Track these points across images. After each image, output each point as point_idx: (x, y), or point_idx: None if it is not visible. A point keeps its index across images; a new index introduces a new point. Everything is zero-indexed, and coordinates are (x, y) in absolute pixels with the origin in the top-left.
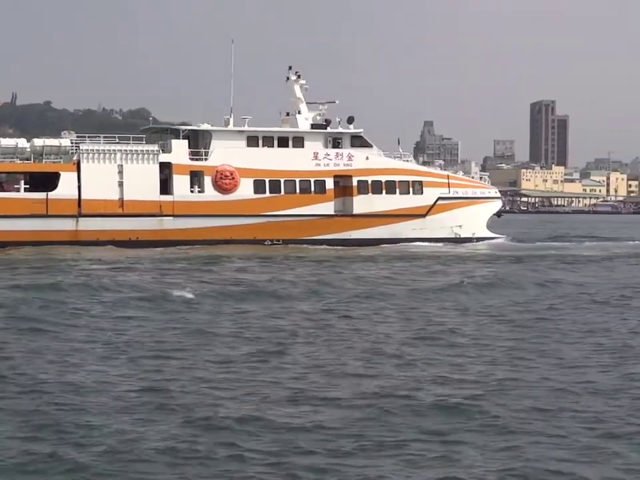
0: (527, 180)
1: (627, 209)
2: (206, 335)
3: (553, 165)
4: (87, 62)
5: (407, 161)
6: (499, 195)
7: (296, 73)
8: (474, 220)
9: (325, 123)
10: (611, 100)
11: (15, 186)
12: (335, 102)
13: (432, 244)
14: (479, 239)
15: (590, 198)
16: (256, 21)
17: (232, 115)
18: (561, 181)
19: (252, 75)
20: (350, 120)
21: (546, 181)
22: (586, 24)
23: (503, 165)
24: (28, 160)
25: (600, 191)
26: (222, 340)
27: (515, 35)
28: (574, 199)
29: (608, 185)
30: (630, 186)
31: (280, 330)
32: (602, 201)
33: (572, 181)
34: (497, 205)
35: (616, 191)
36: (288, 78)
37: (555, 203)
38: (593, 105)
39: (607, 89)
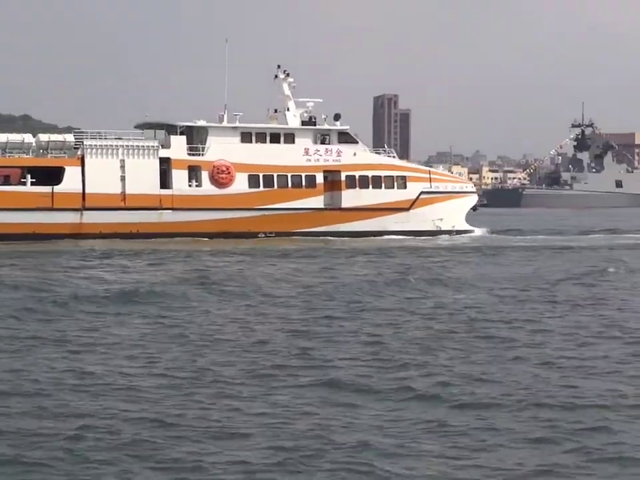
0: None
1: None
2: None
3: None
4: None
5: (391, 157)
6: (474, 189)
7: (284, 71)
8: (454, 213)
9: (314, 120)
10: (452, 96)
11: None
12: (320, 100)
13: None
14: (458, 232)
15: None
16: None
17: (226, 112)
18: None
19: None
20: (337, 117)
21: None
22: (424, 22)
23: None
24: (26, 155)
25: None
26: None
27: (358, 28)
28: None
29: None
30: (471, 179)
31: None
32: None
33: None
34: (473, 199)
35: None
36: (276, 76)
37: None
38: (435, 100)
39: (447, 87)
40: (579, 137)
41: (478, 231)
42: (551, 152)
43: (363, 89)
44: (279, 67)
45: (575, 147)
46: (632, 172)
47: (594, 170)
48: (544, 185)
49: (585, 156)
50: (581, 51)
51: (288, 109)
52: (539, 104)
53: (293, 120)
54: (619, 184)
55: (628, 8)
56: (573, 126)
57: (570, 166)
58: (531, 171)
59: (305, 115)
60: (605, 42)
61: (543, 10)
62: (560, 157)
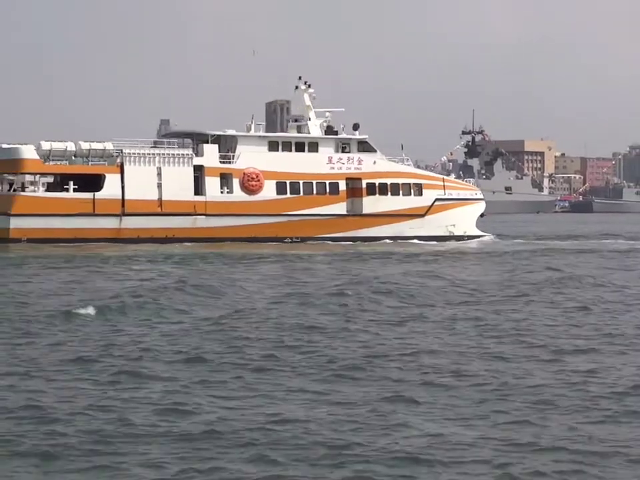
0: None
1: None
2: None
3: None
4: None
5: (408, 164)
6: (482, 196)
7: (305, 82)
8: (465, 219)
9: (335, 130)
10: (342, 102)
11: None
12: (342, 110)
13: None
14: (469, 237)
15: None
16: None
17: (253, 121)
18: None
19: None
20: (355, 127)
21: None
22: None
23: None
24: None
25: None
26: None
27: (250, 35)
28: None
29: None
30: None
31: None
32: None
33: None
34: (482, 206)
35: None
36: (297, 87)
37: None
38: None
39: (339, 92)
40: (470, 143)
41: (487, 237)
42: (442, 158)
43: (255, 94)
44: (299, 78)
45: (465, 153)
46: (521, 178)
47: (484, 176)
48: None
49: (475, 162)
50: (471, 59)
51: (309, 119)
52: (430, 111)
53: (315, 129)
54: (508, 190)
55: (515, 19)
56: (464, 133)
57: (461, 172)
58: None
59: (325, 124)
60: (495, 51)
61: (436, 19)
62: (451, 164)
